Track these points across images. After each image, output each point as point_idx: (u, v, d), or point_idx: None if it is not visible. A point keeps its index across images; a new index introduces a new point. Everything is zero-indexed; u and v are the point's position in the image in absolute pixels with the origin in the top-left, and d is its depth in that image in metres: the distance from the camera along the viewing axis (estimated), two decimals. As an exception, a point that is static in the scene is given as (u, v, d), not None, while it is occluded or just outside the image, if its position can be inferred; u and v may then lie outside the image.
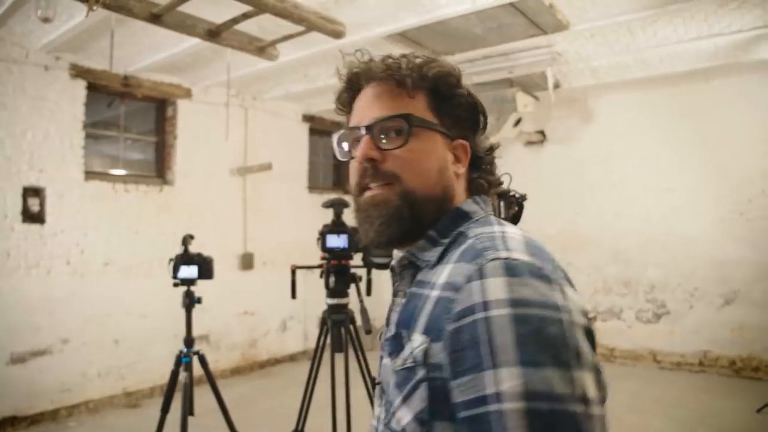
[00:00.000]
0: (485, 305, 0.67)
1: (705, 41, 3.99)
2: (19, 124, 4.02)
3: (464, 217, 0.86)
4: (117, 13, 3.13)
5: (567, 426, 0.61)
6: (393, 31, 3.68)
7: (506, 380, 0.62)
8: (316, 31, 3.48)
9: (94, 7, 2.77)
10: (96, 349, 4.39)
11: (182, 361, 2.97)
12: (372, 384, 0.94)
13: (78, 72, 4.31)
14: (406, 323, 0.79)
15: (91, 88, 4.44)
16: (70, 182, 4.28)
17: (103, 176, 4.61)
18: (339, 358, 2.79)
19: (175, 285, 3.03)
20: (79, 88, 4.34)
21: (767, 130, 4.96)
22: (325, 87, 5.21)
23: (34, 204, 4.07)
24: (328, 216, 2.82)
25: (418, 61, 0.87)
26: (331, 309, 2.80)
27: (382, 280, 6.82)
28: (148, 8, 3.18)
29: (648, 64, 4.65)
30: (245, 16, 3.27)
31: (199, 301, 3.04)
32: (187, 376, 2.94)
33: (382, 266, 2.65)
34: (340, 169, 7.14)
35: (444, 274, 0.77)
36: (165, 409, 2.96)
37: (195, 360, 3.02)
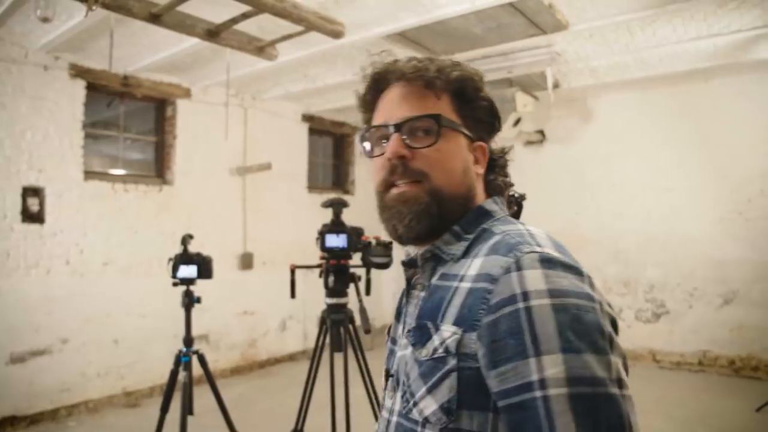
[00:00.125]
0: (525, 295, 0.70)
1: (704, 41, 4.00)
2: (19, 123, 4.02)
3: (486, 215, 0.89)
4: (116, 12, 3.13)
5: (609, 407, 0.64)
6: (392, 31, 3.68)
7: (550, 367, 0.65)
8: (315, 31, 3.48)
9: (94, 7, 2.77)
10: (95, 348, 4.39)
11: (181, 361, 2.97)
12: (385, 377, 0.97)
13: (77, 72, 4.31)
14: (431, 315, 0.81)
15: (91, 87, 4.44)
16: (70, 182, 4.28)
17: (103, 176, 4.61)
18: (338, 357, 2.79)
19: (175, 284, 3.03)
20: (79, 87, 4.34)
21: (766, 130, 4.96)
22: (324, 87, 5.21)
23: (33, 204, 4.07)
24: (328, 216, 2.82)
25: (443, 63, 0.90)
26: (331, 308, 2.80)
27: (382, 279, 6.83)
28: (148, 8, 3.18)
29: (647, 63, 4.65)
30: (244, 16, 3.27)
31: (198, 300, 3.04)
32: (187, 376, 2.94)
33: (382, 266, 2.66)
34: (339, 169, 7.14)
35: (474, 266, 0.79)
36: (164, 409, 2.97)
37: (194, 359, 3.02)
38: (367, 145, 0.94)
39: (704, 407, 4.22)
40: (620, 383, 0.67)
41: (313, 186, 6.46)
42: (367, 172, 7.16)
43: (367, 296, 2.76)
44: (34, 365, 4.04)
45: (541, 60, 4.28)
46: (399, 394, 0.84)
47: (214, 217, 5.25)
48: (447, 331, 0.76)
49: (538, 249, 0.75)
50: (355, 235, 2.72)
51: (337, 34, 3.57)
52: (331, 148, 7.07)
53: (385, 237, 2.83)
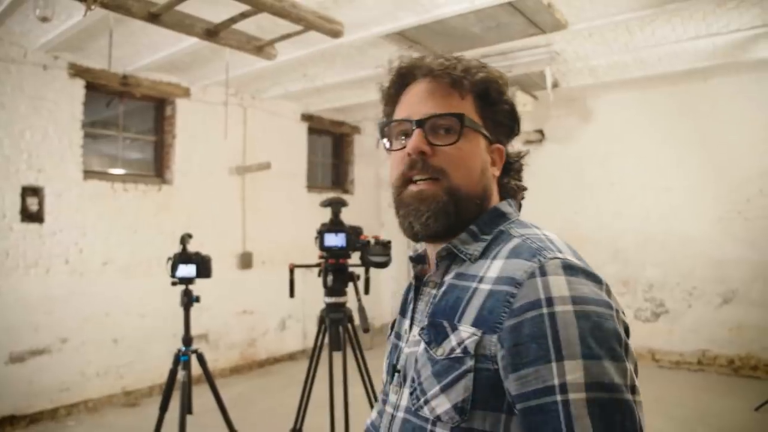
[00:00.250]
0: (549, 301, 0.71)
1: (703, 40, 4.00)
2: (18, 123, 4.02)
3: (502, 216, 0.89)
4: (115, 12, 3.13)
5: (624, 413, 0.67)
6: (391, 30, 3.68)
7: (571, 372, 0.67)
8: (314, 31, 3.48)
9: (92, 7, 2.77)
10: (95, 348, 4.39)
11: (180, 360, 2.97)
12: (389, 371, 0.97)
13: (77, 71, 4.31)
14: (446, 314, 0.81)
15: (90, 87, 4.44)
16: (69, 181, 4.28)
17: (102, 175, 4.61)
18: (337, 356, 2.79)
19: (173, 284, 3.03)
20: (78, 87, 4.34)
21: (766, 130, 4.96)
22: (323, 86, 5.21)
23: (32, 203, 4.07)
24: (327, 215, 2.82)
25: (470, 63, 0.90)
26: (329, 308, 2.80)
27: (381, 278, 6.81)
28: (147, 7, 3.18)
29: (646, 63, 4.65)
30: (243, 16, 3.27)
31: (197, 299, 3.04)
32: (186, 375, 2.94)
33: (380, 265, 2.66)
34: (338, 169, 7.14)
35: (494, 268, 0.79)
36: (163, 408, 2.97)
37: (193, 359, 3.02)
38: (386, 139, 0.94)
39: (703, 406, 4.23)
40: (634, 389, 0.69)
41: (312, 185, 6.46)
42: (366, 172, 7.16)
43: (366, 295, 2.76)
44: (34, 364, 4.04)
45: (540, 59, 4.28)
46: (407, 391, 0.84)
47: (213, 216, 5.25)
48: (465, 332, 0.77)
49: (560, 255, 0.76)
50: (353, 234, 2.72)
51: (336, 34, 3.57)
52: (330, 147, 7.07)
53: (384, 236, 2.84)
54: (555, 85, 5.05)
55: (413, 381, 0.82)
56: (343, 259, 2.76)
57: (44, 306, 4.11)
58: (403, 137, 0.90)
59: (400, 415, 0.84)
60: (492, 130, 0.91)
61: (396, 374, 0.89)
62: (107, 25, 3.42)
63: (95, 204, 4.44)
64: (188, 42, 3.87)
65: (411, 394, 0.82)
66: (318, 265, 2.81)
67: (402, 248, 6.64)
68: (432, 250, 0.92)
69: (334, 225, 2.75)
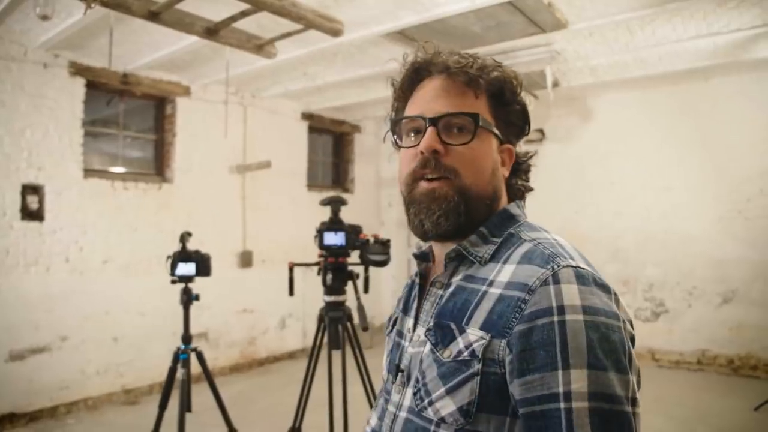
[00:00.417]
0: (561, 309, 0.71)
1: (704, 40, 3.99)
2: (18, 121, 4.02)
3: (511, 218, 0.89)
4: (115, 10, 3.13)
5: (622, 423, 0.68)
6: (391, 29, 3.68)
7: (575, 381, 0.68)
8: (314, 30, 3.48)
9: (92, 5, 2.77)
10: (95, 346, 4.39)
11: (180, 358, 2.98)
12: (391, 370, 0.96)
13: (77, 70, 4.31)
14: (454, 316, 0.81)
15: (90, 85, 4.44)
16: (69, 180, 4.29)
17: (102, 174, 4.61)
18: (336, 355, 2.79)
19: (173, 282, 3.04)
20: (78, 85, 4.34)
21: (766, 129, 4.96)
22: (324, 85, 5.21)
23: (33, 201, 4.08)
24: (327, 214, 2.82)
25: (485, 62, 0.90)
26: (329, 306, 2.80)
27: (381, 277, 6.80)
28: (147, 6, 3.18)
29: (647, 62, 4.65)
30: (243, 14, 3.27)
31: (196, 298, 3.05)
32: (185, 373, 2.95)
33: (380, 263, 2.66)
34: (339, 168, 7.15)
35: (505, 273, 0.79)
36: (163, 406, 2.97)
37: (193, 357, 3.03)
38: (396, 135, 0.93)
39: (703, 406, 4.23)
40: (634, 402, 0.70)
41: (312, 184, 6.46)
42: (366, 171, 7.16)
43: (366, 294, 2.76)
44: (34, 363, 4.05)
45: (541, 59, 4.27)
46: (410, 391, 0.84)
47: (213, 215, 5.25)
48: (473, 335, 0.77)
49: (572, 263, 0.76)
50: (353, 232, 2.72)
51: (336, 33, 3.57)
52: (330, 146, 7.07)
53: (384, 235, 2.84)
54: (555, 84, 5.04)
55: (417, 381, 0.82)
56: (342, 258, 2.76)
57: (44, 304, 4.12)
58: (414, 134, 0.89)
59: (403, 414, 0.84)
60: (503, 130, 0.90)
61: (399, 374, 0.88)
62: (107, 23, 3.43)
63: (95, 202, 4.44)
64: (188, 40, 3.87)
65: (415, 394, 0.82)
66: (317, 263, 2.82)
67: (401, 247, 6.65)
68: (439, 250, 0.92)
69: (334, 223, 2.75)
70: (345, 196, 4.90)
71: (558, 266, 0.75)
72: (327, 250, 2.75)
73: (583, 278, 0.74)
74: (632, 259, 5.63)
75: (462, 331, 0.78)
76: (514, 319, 0.73)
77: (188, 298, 3.02)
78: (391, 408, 0.88)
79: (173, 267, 3.00)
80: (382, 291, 6.88)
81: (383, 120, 4.69)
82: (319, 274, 2.80)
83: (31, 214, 4.07)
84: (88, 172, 4.44)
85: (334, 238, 2.72)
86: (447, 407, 0.76)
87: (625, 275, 5.66)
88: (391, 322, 1.01)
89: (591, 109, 5.92)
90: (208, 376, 3.09)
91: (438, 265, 0.92)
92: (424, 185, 0.86)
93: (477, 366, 0.75)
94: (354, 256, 2.79)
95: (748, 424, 3.89)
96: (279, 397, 4.49)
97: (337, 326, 2.78)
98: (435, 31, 3.80)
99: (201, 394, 3.32)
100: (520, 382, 0.71)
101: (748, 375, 4.97)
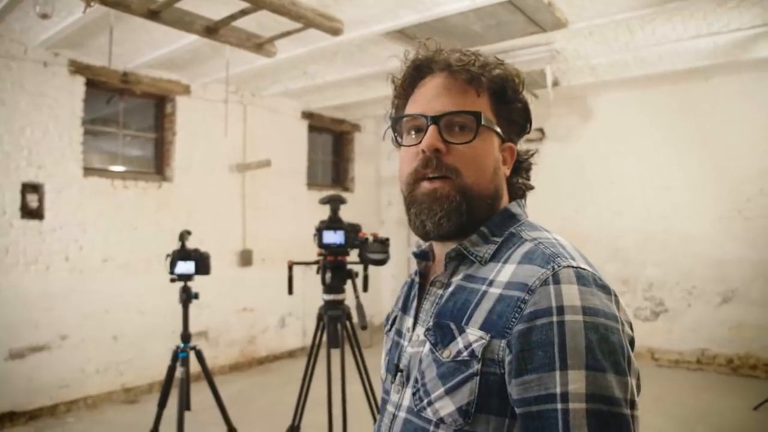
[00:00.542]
0: (560, 310, 0.71)
1: (704, 39, 3.99)
2: (18, 120, 4.02)
3: (513, 218, 0.88)
4: (115, 9, 3.13)
5: (620, 426, 0.68)
6: (391, 28, 3.68)
7: (573, 382, 0.68)
8: (314, 28, 3.48)
9: (92, 3, 2.77)
10: (94, 345, 4.40)
11: (179, 357, 2.98)
12: (391, 369, 0.96)
13: (77, 68, 4.31)
14: (454, 316, 0.81)
15: (90, 84, 4.44)
16: (69, 178, 4.29)
17: (102, 172, 4.62)
18: (335, 354, 2.80)
19: (172, 280, 3.03)
20: (78, 84, 4.34)
21: (766, 129, 4.95)
22: (324, 84, 5.21)
23: (32, 200, 4.08)
24: (327, 212, 2.82)
25: (487, 60, 0.88)
26: (328, 305, 2.81)
27: (380, 276, 6.79)
28: (146, 4, 3.18)
29: (647, 62, 4.65)
30: (243, 13, 3.27)
31: (196, 296, 3.05)
32: (184, 372, 2.95)
33: (379, 262, 2.66)
34: (338, 166, 7.14)
35: (505, 272, 0.79)
36: (162, 405, 2.98)
37: (192, 356, 3.03)
38: (396, 133, 0.92)
39: (703, 406, 4.23)
40: (632, 404, 0.70)
41: (312, 183, 6.46)
42: (366, 170, 7.16)
43: (365, 293, 2.76)
44: (33, 361, 4.05)
45: (541, 58, 4.27)
46: (409, 391, 0.83)
47: (213, 214, 5.25)
48: (473, 335, 0.76)
49: (573, 263, 0.75)
50: (352, 231, 2.72)
51: (336, 32, 3.57)
52: (330, 145, 7.07)
53: (383, 234, 2.84)
54: (555, 83, 5.04)
55: (416, 381, 0.82)
56: (341, 257, 2.77)
57: (44, 303, 4.12)
58: (415, 132, 0.88)
59: (402, 414, 0.84)
60: (505, 128, 0.89)
61: (398, 373, 0.88)
62: (107, 22, 3.43)
63: (95, 201, 4.44)
64: (188, 39, 3.87)
65: (414, 394, 0.82)
66: (317, 262, 2.82)
67: (401, 246, 6.64)
68: (440, 249, 0.91)
69: (333, 222, 2.76)
70: (345, 194, 4.90)
71: (558, 266, 0.74)
72: (326, 248, 2.75)
73: (583, 279, 0.74)
74: (632, 258, 5.63)
75: (462, 331, 0.78)
76: (513, 319, 0.73)
77: (187, 297, 3.02)
78: (390, 408, 0.88)
79: (172, 265, 3.00)
80: (382, 290, 6.88)
81: (383, 119, 4.70)
82: (318, 272, 2.80)
83: (31, 213, 4.07)
84: (88, 171, 4.45)
85: (333, 237, 2.72)
86: (446, 407, 0.76)
87: (625, 275, 5.66)
88: (390, 321, 1.00)
89: (591, 108, 5.92)
90: (207, 374, 3.09)
91: (438, 264, 0.91)
92: (425, 185, 0.85)
93: (476, 366, 0.74)
94: (353, 255, 2.79)
95: (748, 424, 3.89)
96: (278, 395, 4.49)
97: (336, 325, 2.78)
98: (435, 30, 3.80)
99: (200, 393, 3.32)
100: (518, 381, 0.71)
101: (747, 374, 4.97)
